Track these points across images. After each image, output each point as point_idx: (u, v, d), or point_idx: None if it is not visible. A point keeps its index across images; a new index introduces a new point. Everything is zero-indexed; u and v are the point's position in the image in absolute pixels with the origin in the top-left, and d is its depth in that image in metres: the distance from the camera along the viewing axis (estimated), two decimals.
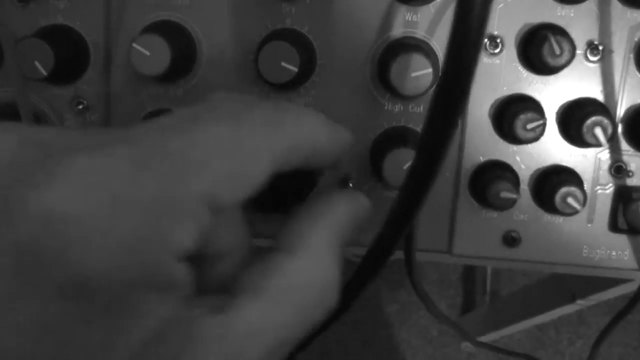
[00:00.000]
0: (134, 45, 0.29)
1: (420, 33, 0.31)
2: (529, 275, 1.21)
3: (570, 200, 0.30)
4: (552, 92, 0.31)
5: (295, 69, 0.29)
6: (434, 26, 0.31)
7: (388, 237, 0.24)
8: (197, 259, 0.20)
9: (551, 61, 0.29)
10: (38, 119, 0.32)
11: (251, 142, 0.21)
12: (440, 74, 0.20)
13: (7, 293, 0.18)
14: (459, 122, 0.32)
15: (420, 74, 0.29)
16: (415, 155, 0.21)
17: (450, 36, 0.19)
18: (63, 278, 0.17)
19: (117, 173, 0.18)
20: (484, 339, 1.06)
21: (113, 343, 0.18)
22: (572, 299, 0.88)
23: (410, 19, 0.31)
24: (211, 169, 0.20)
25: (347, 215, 0.24)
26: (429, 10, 0.31)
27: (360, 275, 0.26)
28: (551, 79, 0.31)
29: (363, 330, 1.23)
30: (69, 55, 0.31)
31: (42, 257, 0.17)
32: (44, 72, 0.30)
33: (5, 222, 0.18)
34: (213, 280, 0.22)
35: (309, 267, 0.22)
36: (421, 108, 0.32)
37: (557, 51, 0.29)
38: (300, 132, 0.23)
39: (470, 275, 1.24)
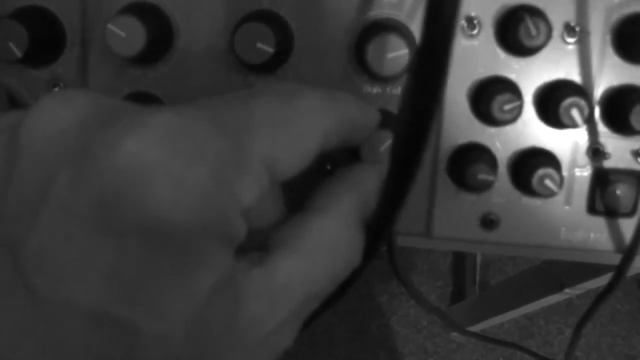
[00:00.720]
0: (109, 26, 0.29)
1: (400, 15, 0.31)
2: (518, 265, 1.22)
3: (547, 182, 0.30)
4: (530, 74, 0.31)
5: (271, 50, 0.29)
6: (414, 8, 0.31)
7: (378, 226, 0.24)
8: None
9: (527, 42, 0.29)
10: (13, 101, 0.32)
11: (307, 116, 0.23)
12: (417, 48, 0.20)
13: (87, 238, 0.18)
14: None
15: (397, 55, 0.29)
16: (395, 137, 0.21)
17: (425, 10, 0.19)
18: (142, 223, 0.18)
19: (194, 129, 0.20)
20: (473, 328, 1.06)
21: (185, 288, 0.19)
22: (560, 288, 0.88)
23: (390, 1, 0.31)
24: (274, 136, 0.21)
25: (374, 184, 0.26)
26: None
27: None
28: (528, 60, 0.31)
29: (353, 320, 1.23)
30: (44, 36, 0.31)
31: (122, 202, 0.18)
32: (18, 54, 0.29)
33: (86, 170, 0.18)
34: (251, 243, 0.24)
35: (339, 227, 0.24)
36: (399, 90, 0.32)
37: (533, 32, 0.29)
38: (341, 109, 0.24)
39: (459, 265, 1.24)
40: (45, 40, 0.31)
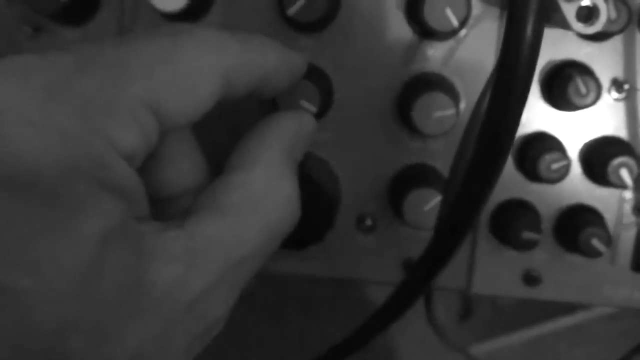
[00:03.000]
0: None
1: (441, 68, 0.30)
2: None
3: (594, 241, 0.29)
4: (575, 130, 0.31)
5: (315, 109, 0.28)
6: (456, 61, 0.30)
7: (419, 280, 0.24)
8: (157, 191, 0.21)
9: (577, 101, 0.28)
10: None
11: (198, 53, 0.21)
12: (480, 134, 0.19)
13: None
14: None
15: (444, 115, 0.28)
16: (453, 206, 0.21)
17: (493, 88, 0.18)
18: (2, 174, 0.16)
19: (54, 72, 0.18)
20: (482, 347, 1.06)
21: (62, 241, 0.17)
22: (572, 310, 0.88)
23: (432, 54, 0.30)
24: (151, 73, 0.19)
25: (294, 130, 0.24)
26: (450, 45, 0.30)
27: (385, 314, 0.26)
28: (575, 116, 0.30)
29: None
30: None
31: None
32: None
33: None
34: (174, 212, 0.22)
35: (264, 181, 0.22)
36: (441, 144, 0.31)
37: (583, 91, 0.28)
38: (249, 50, 0.22)
39: None
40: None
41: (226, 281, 0.21)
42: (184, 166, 0.23)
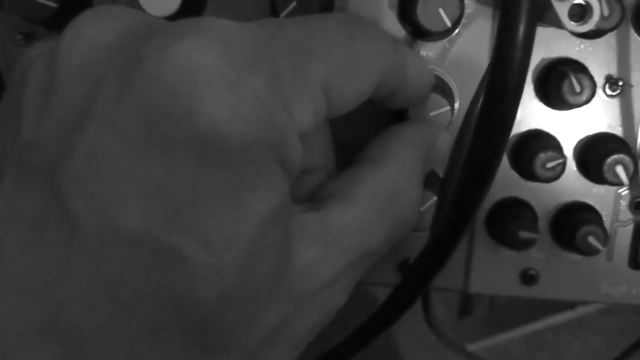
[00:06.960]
0: None
1: (436, 69, 0.30)
2: None
3: (591, 239, 0.29)
4: (570, 128, 0.31)
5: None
6: (449, 61, 0.30)
7: (416, 282, 0.24)
8: None
9: (571, 99, 0.28)
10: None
11: (369, 47, 0.21)
12: (474, 134, 0.19)
13: (133, 156, 0.16)
14: None
15: (438, 113, 0.28)
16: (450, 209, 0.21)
17: (487, 89, 0.18)
18: (194, 135, 0.16)
19: (251, 38, 0.18)
20: (481, 343, 1.06)
21: (238, 212, 0.17)
22: (572, 305, 0.88)
23: (424, 55, 0.30)
24: (334, 60, 0.20)
25: (432, 141, 0.25)
26: (443, 45, 0.30)
27: (382, 316, 0.26)
28: (569, 114, 0.30)
29: None
30: None
31: (172, 112, 0.16)
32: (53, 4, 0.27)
33: (133, 78, 0.17)
34: (300, 192, 0.22)
35: (396, 178, 0.23)
36: None
37: (578, 89, 0.28)
38: (403, 56, 0.23)
39: None
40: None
41: (350, 272, 0.21)
42: (318, 145, 0.23)
